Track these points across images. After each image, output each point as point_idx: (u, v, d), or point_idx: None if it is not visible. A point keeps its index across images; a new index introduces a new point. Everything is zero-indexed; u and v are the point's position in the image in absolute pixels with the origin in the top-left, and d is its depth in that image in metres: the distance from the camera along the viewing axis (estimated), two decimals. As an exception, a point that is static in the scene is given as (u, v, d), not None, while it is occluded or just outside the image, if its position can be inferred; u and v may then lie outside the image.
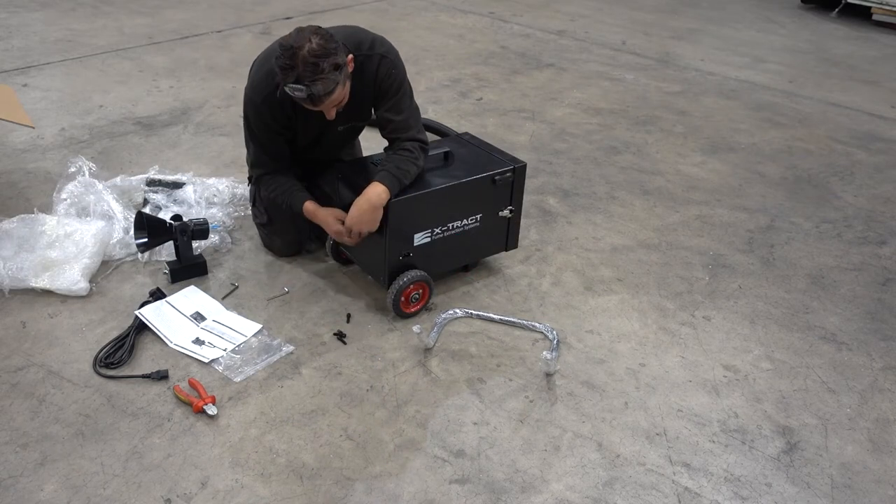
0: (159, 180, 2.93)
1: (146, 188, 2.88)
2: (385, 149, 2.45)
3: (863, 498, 1.85)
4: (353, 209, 2.26)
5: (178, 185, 2.91)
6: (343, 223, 2.32)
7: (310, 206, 2.42)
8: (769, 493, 1.84)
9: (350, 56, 2.19)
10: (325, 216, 2.39)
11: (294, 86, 2.07)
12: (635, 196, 3.27)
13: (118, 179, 2.91)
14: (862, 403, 2.15)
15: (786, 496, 1.84)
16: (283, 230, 2.64)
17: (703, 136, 3.93)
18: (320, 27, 2.14)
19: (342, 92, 2.16)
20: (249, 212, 2.78)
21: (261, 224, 2.69)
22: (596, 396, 2.12)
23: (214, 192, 2.93)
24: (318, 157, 2.56)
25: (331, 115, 2.23)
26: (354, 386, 2.12)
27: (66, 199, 2.70)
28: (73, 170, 2.83)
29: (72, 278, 2.39)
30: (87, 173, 2.81)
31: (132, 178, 2.94)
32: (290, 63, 2.05)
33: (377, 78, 2.32)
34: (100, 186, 2.76)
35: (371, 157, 2.54)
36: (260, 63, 2.36)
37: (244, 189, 2.93)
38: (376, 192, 2.22)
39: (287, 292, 2.50)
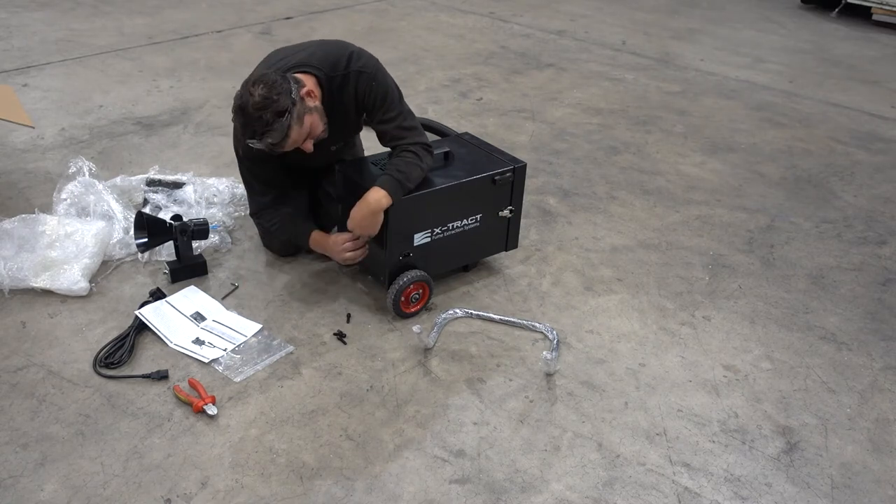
0: (159, 180, 2.93)
1: (146, 188, 2.88)
2: (389, 155, 2.45)
3: (863, 498, 1.85)
4: (354, 213, 2.26)
5: (178, 185, 2.91)
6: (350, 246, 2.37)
7: (316, 237, 2.46)
8: (769, 493, 1.84)
9: (306, 89, 2.17)
10: (332, 245, 2.41)
11: (251, 141, 2.15)
12: (635, 196, 3.27)
13: (118, 179, 2.91)
14: (862, 403, 2.15)
15: (786, 496, 1.84)
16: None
17: (703, 136, 3.93)
18: (266, 74, 2.15)
19: (302, 130, 2.16)
20: (248, 212, 2.78)
21: (264, 227, 2.67)
22: (596, 396, 2.12)
23: (214, 192, 2.93)
24: (318, 166, 2.56)
25: (307, 147, 2.24)
26: (354, 386, 2.12)
27: (66, 199, 2.70)
28: (73, 170, 2.83)
29: (72, 278, 2.39)
30: (87, 173, 2.81)
31: (132, 178, 2.94)
32: (242, 121, 2.13)
33: (357, 95, 2.31)
34: (100, 186, 2.75)
35: (372, 157, 2.54)
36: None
37: (244, 189, 2.92)
38: (376, 198, 2.21)
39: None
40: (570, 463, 1.90)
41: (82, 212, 2.68)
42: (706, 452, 1.96)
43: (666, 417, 2.06)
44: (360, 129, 2.54)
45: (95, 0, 5.80)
